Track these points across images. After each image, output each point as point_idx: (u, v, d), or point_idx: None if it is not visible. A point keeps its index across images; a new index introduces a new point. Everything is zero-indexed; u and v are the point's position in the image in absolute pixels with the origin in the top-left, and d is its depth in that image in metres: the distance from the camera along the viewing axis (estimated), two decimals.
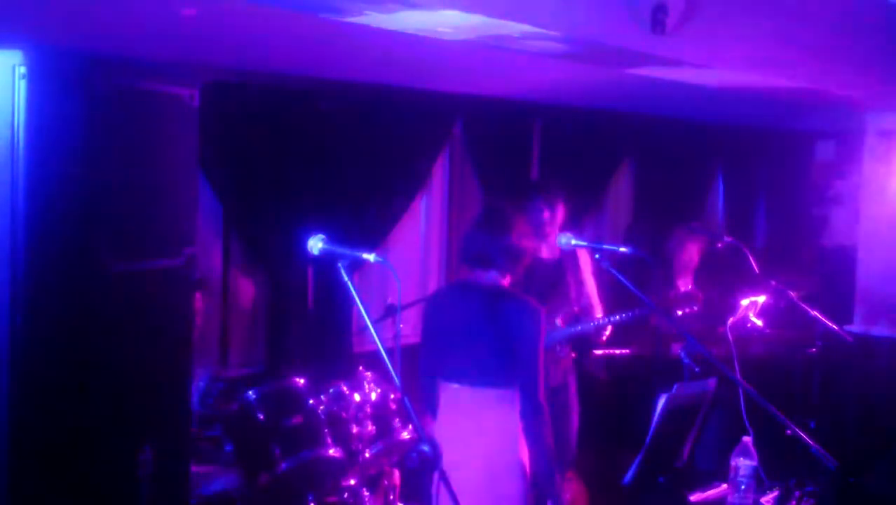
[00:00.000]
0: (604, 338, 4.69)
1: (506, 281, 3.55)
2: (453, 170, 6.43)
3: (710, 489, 3.50)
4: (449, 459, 3.38)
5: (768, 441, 3.41)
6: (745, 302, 4.72)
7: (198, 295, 4.72)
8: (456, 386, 3.52)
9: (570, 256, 4.68)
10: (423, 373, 3.66)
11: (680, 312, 4.60)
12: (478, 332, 3.44)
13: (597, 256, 3.50)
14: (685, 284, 5.63)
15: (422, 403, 3.63)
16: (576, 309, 4.67)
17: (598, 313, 4.75)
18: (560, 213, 4.72)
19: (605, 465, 3.52)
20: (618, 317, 4.57)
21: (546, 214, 4.65)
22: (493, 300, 3.45)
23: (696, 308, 4.62)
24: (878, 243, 6.61)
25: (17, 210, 2.34)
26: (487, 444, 3.45)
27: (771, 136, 8.64)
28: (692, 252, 5.61)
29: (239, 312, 5.35)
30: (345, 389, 4.26)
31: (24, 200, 2.34)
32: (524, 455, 3.47)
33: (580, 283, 4.75)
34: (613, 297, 5.14)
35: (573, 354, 4.75)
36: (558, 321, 4.52)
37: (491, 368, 3.44)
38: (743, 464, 3.23)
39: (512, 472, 3.45)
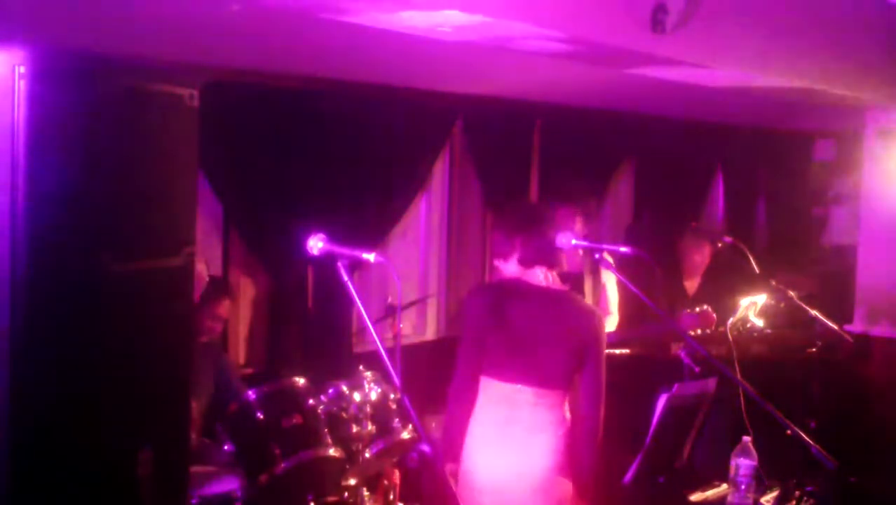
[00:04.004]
0: None
1: (554, 276, 3.51)
2: (453, 170, 6.43)
3: (710, 489, 3.50)
4: (503, 464, 3.37)
5: (768, 441, 3.41)
6: (745, 302, 4.72)
7: (226, 301, 4.73)
8: (518, 387, 3.42)
9: (594, 269, 4.69)
10: (469, 372, 3.50)
11: (692, 333, 4.61)
12: (544, 334, 3.39)
13: (596, 256, 3.50)
14: (692, 286, 5.65)
15: (462, 402, 3.50)
16: None
17: (611, 324, 4.79)
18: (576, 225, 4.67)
19: (606, 465, 3.51)
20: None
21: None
22: (553, 301, 3.43)
23: (708, 330, 4.62)
24: (878, 243, 6.61)
25: (17, 210, 2.34)
26: (548, 444, 3.40)
27: (771, 136, 8.64)
28: (704, 254, 5.63)
29: (239, 312, 5.35)
30: (345, 389, 4.26)
31: (23, 200, 2.34)
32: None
33: (601, 298, 4.77)
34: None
35: None
36: None
37: (554, 369, 3.40)
38: (743, 464, 3.23)
39: (564, 470, 3.43)
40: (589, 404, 3.38)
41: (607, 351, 4.70)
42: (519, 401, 3.40)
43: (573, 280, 4.66)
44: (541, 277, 3.45)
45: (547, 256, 3.47)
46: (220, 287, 4.72)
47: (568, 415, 3.47)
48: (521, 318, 3.41)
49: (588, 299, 4.66)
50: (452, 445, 3.47)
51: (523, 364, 3.40)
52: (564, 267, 3.57)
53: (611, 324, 4.89)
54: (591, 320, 3.41)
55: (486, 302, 3.51)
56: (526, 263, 3.48)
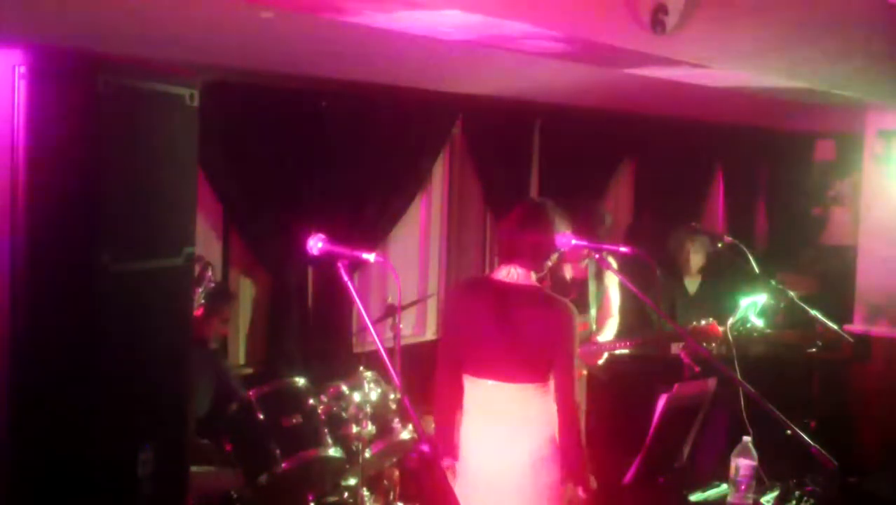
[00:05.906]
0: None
1: (532, 277, 3.49)
2: (453, 169, 6.43)
3: (710, 489, 3.50)
4: (490, 457, 3.41)
5: (768, 441, 3.41)
6: (745, 302, 4.72)
7: (231, 304, 4.76)
8: (496, 383, 3.44)
9: (598, 275, 4.70)
10: (449, 369, 3.55)
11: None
12: (515, 330, 3.39)
13: (595, 256, 3.49)
14: (693, 286, 5.65)
15: (447, 399, 3.54)
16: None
17: (612, 326, 4.84)
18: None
19: (605, 465, 3.52)
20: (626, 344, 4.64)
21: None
22: (522, 297, 3.42)
23: (713, 344, 4.63)
24: (878, 243, 6.61)
25: (17, 210, 2.34)
26: (530, 437, 3.42)
27: (771, 136, 8.65)
28: (698, 252, 5.63)
29: (239, 312, 5.35)
30: (345, 389, 4.26)
31: (23, 200, 2.34)
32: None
33: (604, 301, 4.79)
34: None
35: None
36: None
37: (529, 363, 3.40)
38: (743, 464, 3.23)
39: (554, 460, 3.45)
40: (562, 395, 3.40)
41: (609, 351, 4.74)
42: (500, 397, 3.44)
43: (577, 286, 4.67)
44: (503, 273, 3.46)
45: (507, 252, 3.49)
46: (225, 291, 4.75)
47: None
48: (492, 315, 3.43)
49: (592, 305, 4.68)
50: (445, 440, 3.51)
51: (499, 360, 3.43)
52: (545, 270, 3.56)
53: (612, 326, 4.89)
54: (559, 313, 3.41)
55: (456, 301, 3.61)
56: (500, 255, 3.54)
